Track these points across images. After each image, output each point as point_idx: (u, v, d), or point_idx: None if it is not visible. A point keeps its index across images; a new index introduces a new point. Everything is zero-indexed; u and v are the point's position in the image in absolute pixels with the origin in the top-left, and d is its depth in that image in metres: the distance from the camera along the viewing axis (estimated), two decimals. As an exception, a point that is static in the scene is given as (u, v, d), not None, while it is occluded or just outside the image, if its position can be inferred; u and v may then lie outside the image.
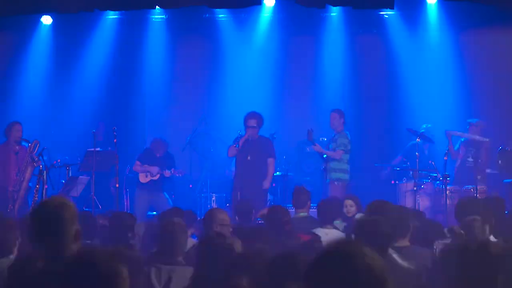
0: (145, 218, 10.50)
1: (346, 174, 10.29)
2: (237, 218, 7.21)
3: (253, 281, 3.50)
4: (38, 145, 10.11)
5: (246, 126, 10.07)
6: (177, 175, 10.84)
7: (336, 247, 2.36)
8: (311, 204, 7.99)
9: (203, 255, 4.17)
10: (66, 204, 3.33)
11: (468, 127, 10.74)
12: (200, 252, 4.22)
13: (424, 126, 11.20)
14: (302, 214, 7.48)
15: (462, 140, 10.80)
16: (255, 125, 9.99)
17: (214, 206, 11.51)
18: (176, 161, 11.07)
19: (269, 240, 5.06)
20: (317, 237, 5.87)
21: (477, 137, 10.55)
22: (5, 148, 10.35)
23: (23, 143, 10.31)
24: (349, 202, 7.99)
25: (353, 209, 7.96)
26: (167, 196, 10.83)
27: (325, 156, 10.39)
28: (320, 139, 11.10)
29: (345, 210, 7.85)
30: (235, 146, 10.10)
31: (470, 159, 10.36)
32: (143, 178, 10.73)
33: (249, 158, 9.90)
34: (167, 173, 10.69)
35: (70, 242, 3.24)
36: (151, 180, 10.72)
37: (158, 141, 10.90)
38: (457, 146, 10.82)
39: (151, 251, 5.25)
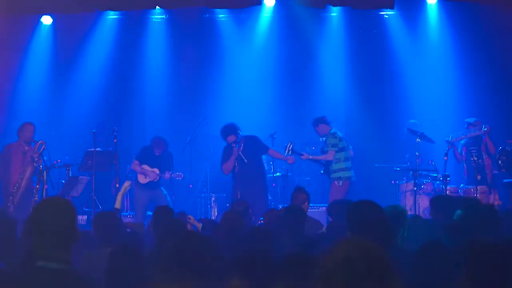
0: (145, 217, 10.54)
1: (346, 172, 10.17)
2: None
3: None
4: (43, 145, 10.15)
5: (230, 143, 10.01)
6: (177, 178, 10.81)
7: (345, 244, 2.41)
8: (310, 204, 8.01)
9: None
10: (62, 206, 3.32)
11: (466, 126, 10.75)
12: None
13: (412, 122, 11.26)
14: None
15: (462, 142, 10.79)
16: (235, 139, 9.96)
17: (214, 206, 11.52)
18: (176, 161, 11.07)
19: (269, 240, 5.05)
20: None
21: (476, 133, 10.53)
22: (14, 148, 10.42)
23: (32, 144, 10.39)
24: None
25: None
26: (165, 192, 10.81)
27: (322, 161, 10.33)
28: (320, 139, 11.07)
29: None
30: (228, 162, 10.04)
31: (474, 158, 10.33)
32: (142, 179, 10.70)
33: (246, 161, 9.92)
34: (167, 176, 10.67)
35: (65, 243, 3.25)
36: (150, 181, 10.70)
37: (158, 139, 10.86)
38: (459, 149, 10.82)
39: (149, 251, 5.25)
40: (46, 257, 3.19)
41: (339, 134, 10.33)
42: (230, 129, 10.01)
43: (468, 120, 10.82)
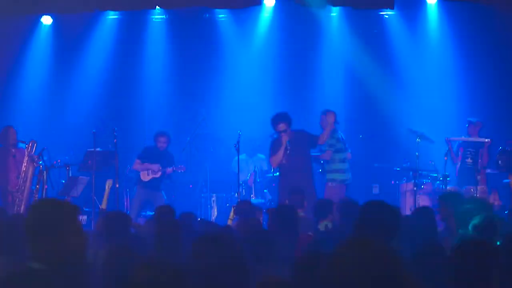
0: (140, 216, 10.55)
1: (342, 174, 10.11)
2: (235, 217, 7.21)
3: None
4: (35, 145, 10.15)
5: (279, 132, 9.71)
6: (179, 171, 10.82)
7: (350, 244, 2.40)
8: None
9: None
10: (59, 206, 3.28)
11: (467, 125, 10.75)
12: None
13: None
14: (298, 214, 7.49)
15: (460, 141, 10.79)
16: (286, 128, 9.69)
17: (214, 206, 11.53)
18: (176, 161, 11.07)
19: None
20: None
21: (477, 139, 10.53)
22: (2, 153, 10.34)
23: (20, 145, 10.34)
24: None
25: None
26: (165, 196, 10.83)
27: (320, 160, 10.30)
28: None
29: None
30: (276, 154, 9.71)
31: (469, 160, 10.36)
32: (144, 176, 10.70)
33: (288, 152, 9.66)
34: (169, 170, 10.68)
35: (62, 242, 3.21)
36: (153, 178, 10.70)
37: (161, 132, 10.86)
38: (455, 148, 10.82)
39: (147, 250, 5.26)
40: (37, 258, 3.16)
41: (338, 135, 10.29)
42: (284, 117, 9.76)
43: (470, 119, 10.81)
